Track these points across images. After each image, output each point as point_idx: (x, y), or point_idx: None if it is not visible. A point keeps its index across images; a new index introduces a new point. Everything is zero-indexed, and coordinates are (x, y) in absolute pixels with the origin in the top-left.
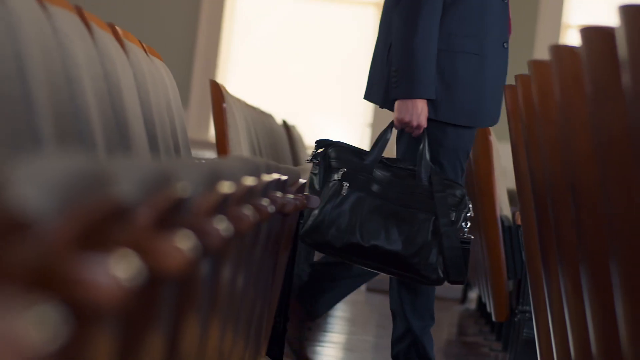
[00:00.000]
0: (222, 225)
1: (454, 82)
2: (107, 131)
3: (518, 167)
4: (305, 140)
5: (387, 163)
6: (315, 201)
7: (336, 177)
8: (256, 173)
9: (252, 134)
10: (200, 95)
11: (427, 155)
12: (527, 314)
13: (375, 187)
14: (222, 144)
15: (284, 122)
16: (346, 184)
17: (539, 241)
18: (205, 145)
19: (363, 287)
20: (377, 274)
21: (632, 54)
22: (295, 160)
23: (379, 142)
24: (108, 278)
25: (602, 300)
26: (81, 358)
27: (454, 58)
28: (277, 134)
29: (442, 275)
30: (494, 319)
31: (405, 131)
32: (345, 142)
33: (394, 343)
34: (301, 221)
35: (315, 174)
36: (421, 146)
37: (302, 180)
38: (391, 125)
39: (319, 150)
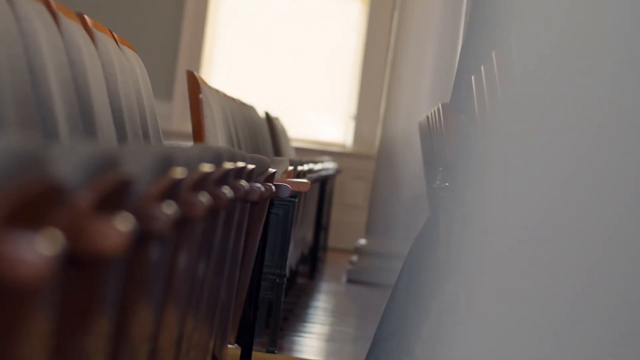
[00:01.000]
0: (170, 210)
1: None
2: (71, 119)
3: None
4: (289, 132)
5: None
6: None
7: None
8: (217, 161)
9: (230, 124)
10: (184, 88)
11: None
12: None
13: None
14: (198, 134)
15: (267, 114)
16: None
17: None
18: (188, 136)
19: (344, 278)
20: None
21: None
22: (277, 152)
23: None
24: (30, 255)
25: None
26: (10, 337)
27: None
28: (258, 126)
29: None
30: None
31: None
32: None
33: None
34: (272, 210)
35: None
36: None
37: (271, 170)
38: None
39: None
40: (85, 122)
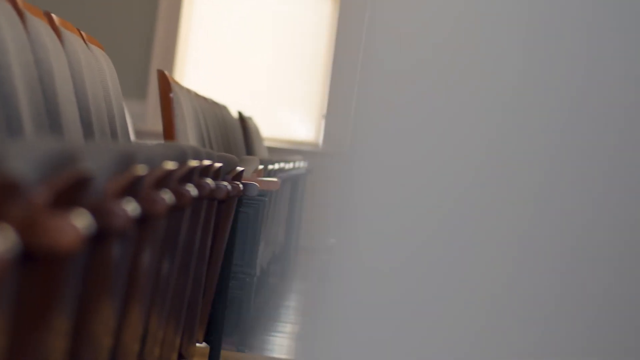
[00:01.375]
0: (129, 207)
1: None
2: (36, 117)
3: None
4: (263, 132)
5: None
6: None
7: None
8: (181, 158)
9: (201, 124)
10: (157, 88)
11: None
12: None
13: None
14: (169, 134)
15: (240, 114)
16: None
17: None
18: (161, 136)
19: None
20: None
21: None
22: (250, 151)
23: None
24: None
25: None
26: None
27: None
28: (230, 125)
29: None
30: None
31: None
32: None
33: None
34: (241, 209)
35: None
36: None
37: (239, 168)
38: None
39: None
40: (51, 120)
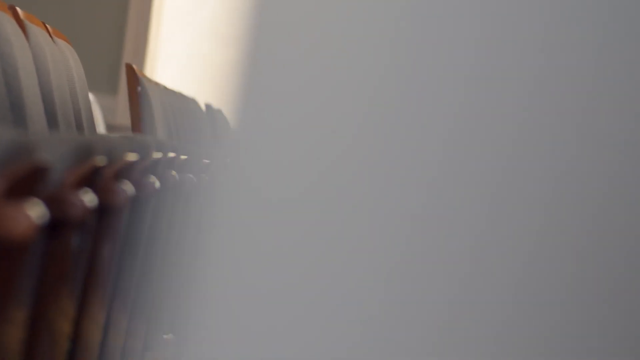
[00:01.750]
0: (87, 197)
1: None
2: (0, 111)
3: None
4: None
5: None
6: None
7: None
8: (142, 150)
9: (169, 117)
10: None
11: None
12: None
13: None
14: (137, 128)
15: (207, 107)
16: None
17: None
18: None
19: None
20: None
21: None
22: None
23: None
24: None
25: None
26: None
27: None
28: (199, 118)
29: None
30: None
31: None
32: None
33: None
34: None
35: None
36: None
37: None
38: None
39: None
40: (16, 114)
